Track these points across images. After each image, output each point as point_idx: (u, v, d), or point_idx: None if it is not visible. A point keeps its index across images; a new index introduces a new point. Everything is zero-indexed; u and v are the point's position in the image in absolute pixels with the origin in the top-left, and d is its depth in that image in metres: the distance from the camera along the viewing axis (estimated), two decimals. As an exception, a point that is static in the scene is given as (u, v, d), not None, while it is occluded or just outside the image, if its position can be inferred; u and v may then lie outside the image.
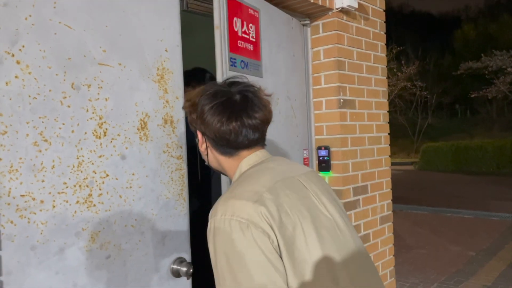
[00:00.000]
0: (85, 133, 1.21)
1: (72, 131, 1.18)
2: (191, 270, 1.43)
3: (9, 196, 1.06)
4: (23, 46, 1.09)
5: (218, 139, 1.02)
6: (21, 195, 1.08)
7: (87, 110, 1.22)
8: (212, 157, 1.10)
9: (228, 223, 0.86)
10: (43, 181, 1.13)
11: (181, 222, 1.47)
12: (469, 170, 16.23)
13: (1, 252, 1.05)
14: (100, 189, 1.25)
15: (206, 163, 1.15)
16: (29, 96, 1.10)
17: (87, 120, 1.22)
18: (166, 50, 1.42)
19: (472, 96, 24.45)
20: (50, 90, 1.14)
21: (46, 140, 1.13)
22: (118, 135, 1.29)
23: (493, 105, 32.07)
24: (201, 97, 1.03)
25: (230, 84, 1.05)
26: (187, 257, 1.48)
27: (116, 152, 1.28)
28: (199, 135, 1.09)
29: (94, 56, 1.23)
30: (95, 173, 1.23)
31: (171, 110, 1.44)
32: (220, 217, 0.88)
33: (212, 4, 1.61)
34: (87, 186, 1.22)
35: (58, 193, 1.16)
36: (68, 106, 1.18)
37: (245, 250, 0.84)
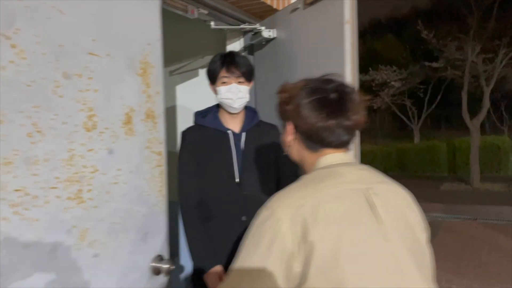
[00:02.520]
0: (76, 125, 1.15)
1: (64, 123, 1.12)
2: (173, 267, 1.41)
3: (4, 190, 0.97)
4: (18, 29, 1.01)
5: (311, 134, 1.01)
6: (15, 190, 1.00)
7: (78, 101, 1.16)
8: (296, 149, 1.09)
9: (268, 214, 0.93)
10: (36, 175, 1.05)
11: (161, 219, 1.45)
12: (360, 173, 17.63)
13: (-5, 252, 0.96)
14: (89, 185, 1.19)
15: (284, 153, 1.17)
16: (23, 83, 1.02)
17: (78, 111, 1.16)
18: (149, 44, 1.40)
19: (361, 106, 26.58)
20: (43, 78, 1.07)
21: (39, 132, 1.06)
22: (106, 128, 1.24)
23: (377, 115, 35.26)
24: (299, 90, 1.02)
25: (327, 81, 1.03)
26: (166, 254, 1.46)
27: (104, 146, 1.23)
28: (290, 126, 1.07)
29: (85, 45, 1.18)
30: (85, 167, 1.17)
31: (153, 105, 1.41)
32: (268, 206, 0.95)
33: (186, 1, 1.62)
34: (77, 181, 1.15)
35: (51, 188, 1.08)
36: (60, 96, 1.11)
37: (264, 241, 0.89)
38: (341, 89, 1.01)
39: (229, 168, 1.74)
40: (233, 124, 1.81)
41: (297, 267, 0.84)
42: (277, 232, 0.87)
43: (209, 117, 1.82)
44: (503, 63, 11.23)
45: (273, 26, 1.95)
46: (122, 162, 1.29)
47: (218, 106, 1.86)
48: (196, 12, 1.75)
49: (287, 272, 0.84)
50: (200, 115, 1.85)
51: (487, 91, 11.26)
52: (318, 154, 1.04)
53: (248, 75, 1.75)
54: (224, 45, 2.30)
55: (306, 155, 1.07)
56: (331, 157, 1.03)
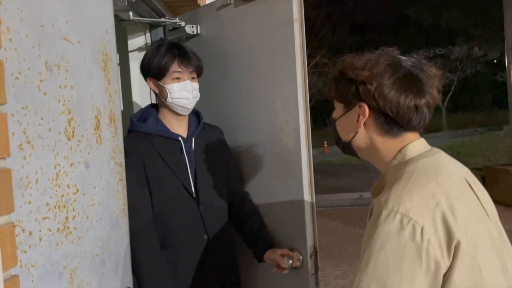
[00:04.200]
0: (59, 132, 0.87)
1: (49, 129, 0.83)
2: None
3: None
4: (3, -1, 0.71)
5: (396, 116, 0.89)
6: (12, 226, 0.70)
7: (59, 101, 0.88)
8: (365, 135, 0.95)
9: (399, 220, 0.78)
10: (30, 202, 0.76)
11: (126, 244, 1.20)
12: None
13: (-1, 320, 0.66)
14: (73, 210, 0.91)
15: (343, 141, 0.99)
16: (12, 75, 0.72)
17: (60, 114, 0.88)
18: (107, 32, 1.14)
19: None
20: (29, 69, 0.78)
21: (29, 142, 0.77)
22: (82, 136, 0.97)
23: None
24: (380, 67, 0.89)
25: (398, 57, 0.92)
26: (132, 286, 1.22)
27: (82, 158, 0.96)
28: (363, 109, 0.92)
29: (60, 27, 0.90)
30: (69, 187, 0.90)
31: (113, 106, 1.16)
32: (392, 209, 0.80)
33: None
34: (64, 206, 0.87)
35: (43, 218, 0.80)
36: (45, 94, 0.82)
37: (408, 256, 0.77)
38: (419, 65, 0.92)
39: (184, 180, 1.50)
40: (180, 129, 1.56)
41: (443, 272, 0.77)
42: (422, 242, 0.76)
43: (150, 121, 1.54)
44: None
45: (195, 21, 1.80)
46: (96, 178, 1.03)
47: (155, 107, 1.60)
48: (126, 1, 1.50)
49: (435, 283, 0.77)
50: (139, 120, 1.54)
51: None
52: (398, 140, 0.93)
53: (200, 70, 1.56)
54: (125, 40, 2.03)
55: (380, 141, 0.94)
56: (419, 143, 0.94)
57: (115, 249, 1.12)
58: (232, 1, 1.70)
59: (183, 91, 1.49)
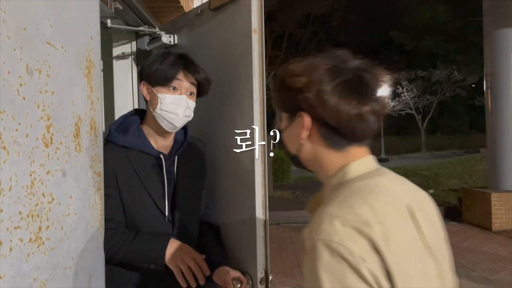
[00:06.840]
0: (37, 138, 0.84)
1: (27, 135, 0.81)
2: None
3: (-30, 239, 0.64)
4: (-14, -2, 0.69)
5: (339, 126, 0.81)
6: (-19, 236, 0.67)
7: (38, 106, 0.85)
8: (310, 148, 0.86)
9: (331, 247, 0.71)
10: (1, 210, 0.73)
11: (101, 256, 1.17)
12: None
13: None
14: (47, 219, 0.88)
15: (292, 153, 0.90)
16: (-10, 77, 0.70)
17: (38, 120, 0.85)
18: (92, 38, 1.12)
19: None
20: (9, 72, 0.75)
21: (4, 148, 0.74)
22: (61, 143, 0.94)
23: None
24: (323, 72, 0.80)
25: (343, 59, 0.83)
26: (105, 298, 1.18)
27: (59, 166, 0.93)
28: (306, 119, 0.83)
29: (44, 31, 0.88)
30: (44, 196, 0.87)
31: (95, 114, 1.14)
32: (325, 238, 0.73)
33: None
34: (37, 215, 0.84)
35: (15, 228, 0.77)
36: (24, 98, 0.80)
37: (333, 278, 0.71)
38: (364, 67, 0.83)
39: (160, 202, 1.38)
40: (164, 145, 1.43)
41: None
42: (358, 272, 0.70)
43: (131, 133, 1.39)
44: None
45: (173, 31, 1.77)
46: (73, 187, 1.00)
47: (138, 116, 1.47)
48: (112, 6, 1.47)
49: None
50: (119, 131, 1.39)
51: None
52: (343, 154, 0.85)
53: (205, 84, 1.43)
54: (110, 47, 2.00)
55: (324, 155, 0.85)
56: (364, 162, 0.85)
57: (89, 261, 1.08)
58: (203, 11, 1.67)
59: (175, 105, 1.36)
